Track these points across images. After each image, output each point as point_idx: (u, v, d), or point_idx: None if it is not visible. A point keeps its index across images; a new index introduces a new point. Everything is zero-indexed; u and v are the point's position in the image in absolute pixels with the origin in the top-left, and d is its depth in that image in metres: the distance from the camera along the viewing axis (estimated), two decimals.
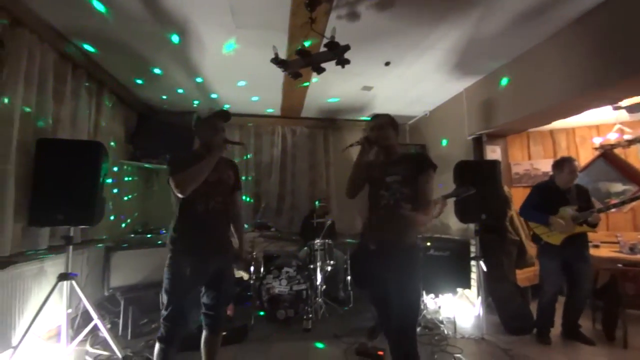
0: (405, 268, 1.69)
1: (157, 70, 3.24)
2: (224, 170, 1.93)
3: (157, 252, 3.07)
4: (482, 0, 2.18)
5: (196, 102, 4.19)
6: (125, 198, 3.88)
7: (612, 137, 3.98)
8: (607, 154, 4.19)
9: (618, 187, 4.19)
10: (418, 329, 2.99)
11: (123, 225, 3.79)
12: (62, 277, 2.27)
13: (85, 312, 2.42)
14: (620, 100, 3.02)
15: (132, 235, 3.74)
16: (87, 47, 2.77)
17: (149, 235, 3.75)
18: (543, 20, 2.41)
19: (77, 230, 2.70)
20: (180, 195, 1.69)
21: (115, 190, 3.58)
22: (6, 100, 2.15)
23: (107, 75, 3.27)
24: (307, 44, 2.52)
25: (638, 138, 3.85)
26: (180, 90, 3.77)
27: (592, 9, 2.28)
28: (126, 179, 3.94)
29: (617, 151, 4.12)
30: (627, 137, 3.90)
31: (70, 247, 2.34)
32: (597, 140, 4.13)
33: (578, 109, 2.87)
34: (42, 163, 2.25)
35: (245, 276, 2.97)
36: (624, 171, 4.18)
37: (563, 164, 2.82)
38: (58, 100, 2.67)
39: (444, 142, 4.33)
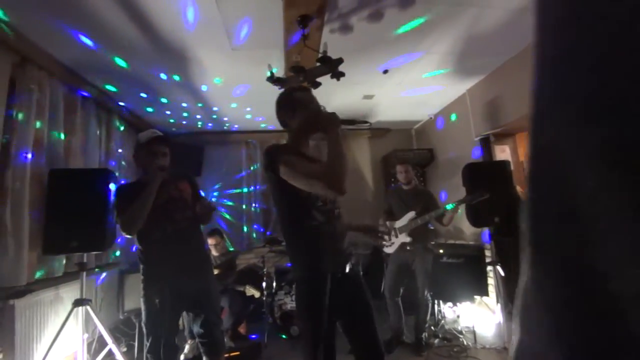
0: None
1: (163, 100, 3.39)
2: (174, 187, 1.86)
3: None
4: (474, 0, 2.16)
5: (209, 124, 4.33)
6: None
7: None
8: None
9: None
10: (436, 341, 2.89)
11: (133, 248, 3.86)
12: (77, 302, 2.31)
13: (102, 337, 2.46)
14: None
15: None
16: (95, 80, 2.92)
17: None
18: None
19: (90, 256, 2.77)
20: (127, 236, 1.70)
21: None
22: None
23: (116, 104, 3.41)
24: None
25: None
26: (185, 114, 3.91)
27: None
28: None
29: None
30: None
31: (84, 272, 2.39)
32: None
33: None
34: (54, 192, 2.33)
35: (257, 294, 2.96)
36: None
37: None
38: (69, 131, 2.78)
39: (453, 117, 4.21)
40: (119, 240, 3.42)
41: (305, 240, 1.40)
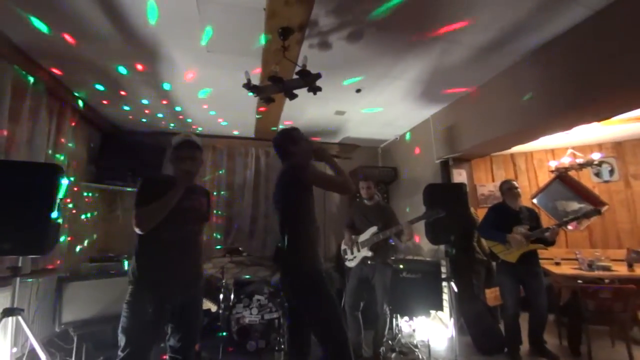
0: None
1: (123, 93, 3.19)
2: (198, 197, 1.87)
3: (115, 283, 2.85)
4: (443, 35, 2.35)
5: (172, 124, 4.14)
6: (83, 217, 3.63)
7: (566, 160, 4.31)
8: (562, 176, 4.52)
9: (574, 205, 4.49)
10: (393, 355, 2.95)
11: (78, 248, 3.51)
12: (7, 312, 2.04)
13: (33, 351, 2.18)
14: (572, 127, 3.30)
15: (90, 264, 3.46)
16: (50, 66, 2.68)
17: (108, 263, 3.49)
18: (500, 54, 2.62)
19: (26, 260, 2.47)
20: (138, 231, 1.61)
21: (69, 208, 3.34)
22: None
23: (70, 95, 3.15)
24: None
25: (588, 162, 4.20)
26: (146, 111, 3.72)
27: (545, 43, 2.49)
28: (85, 194, 3.72)
29: (571, 173, 4.46)
30: (579, 160, 4.25)
31: (17, 278, 2.13)
32: (553, 164, 4.45)
33: (533, 135, 3.10)
34: None
35: (213, 307, 2.83)
36: (578, 191, 4.51)
37: (502, 186, 3.14)
38: (14, 119, 2.51)
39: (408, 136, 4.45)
40: (61, 240, 3.10)
41: (315, 241, 1.88)
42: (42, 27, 2.19)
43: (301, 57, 2.14)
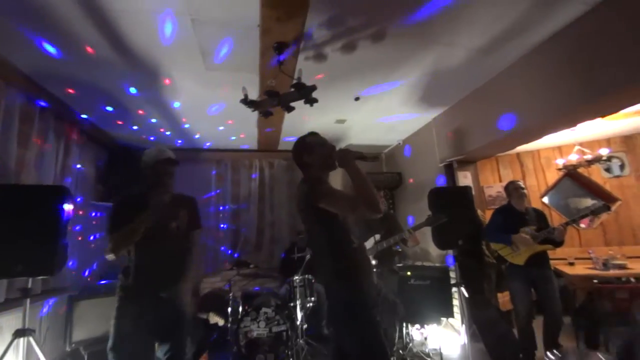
0: None
1: (131, 114, 3.30)
2: (173, 213, 1.83)
3: None
4: (440, 38, 2.35)
5: (179, 140, 4.22)
6: (91, 236, 3.69)
7: (573, 157, 4.22)
8: (571, 173, 4.42)
9: (587, 202, 4.37)
10: None
11: (87, 267, 3.56)
12: (19, 333, 2.07)
13: None
14: (577, 124, 3.24)
15: (99, 282, 3.51)
16: (56, 90, 2.77)
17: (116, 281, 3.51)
18: (500, 53, 2.59)
19: (36, 281, 2.52)
20: (109, 258, 1.64)
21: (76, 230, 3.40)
22: None
23: (77, 116, 3.24)
24: None
25: (597, 158, 4.10)
26: (154, 130, 3.80)
27: (547, 39, 2.45)
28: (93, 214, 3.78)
29: (580, 170, 4.36)
30: (587, 157, 4.16)
31: (28, 300, 2.17)
32: (560, 162, 4.37)
33: (538, 133, 3.05)
34: None
35: (221, 321, 2.83)
36: (589, 188, 4.40)
37: (508, 187, 3.05)
38: (22, 144, 2.59)
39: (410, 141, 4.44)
40: (70, 263, 3.16)
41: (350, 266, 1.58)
42: (49, 50, 2.26)
43: (297, 70, 2.16)
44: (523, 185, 3.02)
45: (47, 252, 2.16)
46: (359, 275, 1.56)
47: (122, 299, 1.68)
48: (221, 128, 3.89)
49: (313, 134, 1.77)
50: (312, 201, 1.54)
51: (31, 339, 2.10)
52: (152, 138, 4.08)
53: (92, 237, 3.70)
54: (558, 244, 2.80)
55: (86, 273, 3.54)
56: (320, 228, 1.60)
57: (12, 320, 2.36)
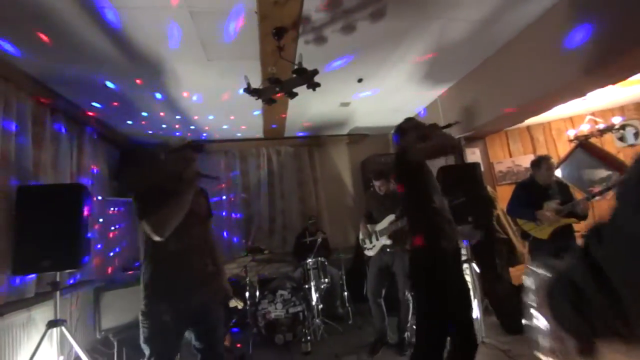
0: None
1: (140, 112, 3.35)
2: (196, 199, 1.81)
3: None
4: (440, 13, 2.29)
5: (178, 133, 4.27)
6: (112, 228, 3.84)
7: (585, 128, 4.13)
8: (583, 143, 4.32)
9: (602, 172, 4.28)
10: None
11: (110, 259, 3.73)
12: (52, 324, 2.22)
13: (78, 358, 2.36)
14: (587, 93, 3.15)
15: (123, 272, 3.68)
16: (66, 92, 2.84)
17: (139, 271, 3.68)
18: (504, 23, 2.52)
19: (64, 275, 2.66)
20: (158, 239, 1.58)
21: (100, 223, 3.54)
22: None
23: (87, 117, 3.31)
24: None
25: (609, 127, 4.00)
26: (163, 125, 3.85)
27: (550, 7, 2.36)
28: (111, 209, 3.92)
29: (593, 140, 4.26)
30: (599, 126, 4.06)
31: (58, 292, 2.30)
32: (572, 133, 4.27)
33: (548, 104, 2.98)
34: (23, 210, 2.24)
35: (240, 304, 2.94)
36: (603, 158, 4.30)
37: (540, 163, 2.92)
38: (37, 145, 2.68)
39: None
40: (94, 257, 3.30)
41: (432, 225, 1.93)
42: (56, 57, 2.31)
43: (298, 54, 2.15)
44: (550, 156, 2.95)
45: (71, 246, 2.28)
46: (433, 236, 1.90)
47: (151, 292, 1.65)
48: (230, 117, 3.92)
49: (408, 119, 2.11)
50: (413, 161, 1.91)
51: (63, 328, 2.25)
52: (161, 133, 4.14)
53: (112, 230, 3.85)
54: (582, 217, 2.76)
55: (108, 265, 3.70)
56: (408, 192, 1.98)
57: (45, 312, 2.52)
